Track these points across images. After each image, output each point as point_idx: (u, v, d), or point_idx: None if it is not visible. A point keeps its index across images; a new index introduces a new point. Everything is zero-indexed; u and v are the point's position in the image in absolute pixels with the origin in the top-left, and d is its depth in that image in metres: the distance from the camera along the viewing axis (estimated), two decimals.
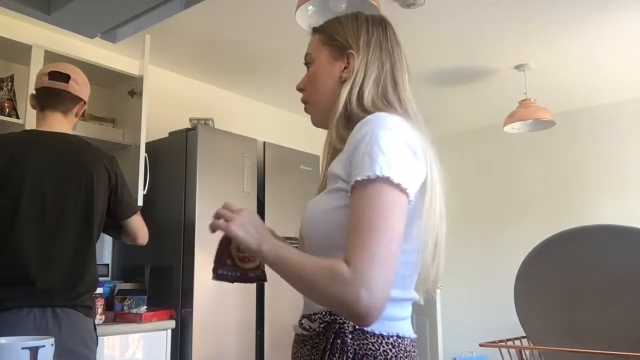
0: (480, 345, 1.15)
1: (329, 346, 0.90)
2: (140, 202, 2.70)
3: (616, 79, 3.84)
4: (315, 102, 1.11)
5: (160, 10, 1.34)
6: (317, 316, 0.94)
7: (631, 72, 3.71)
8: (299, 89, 1.15)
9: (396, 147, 0.89)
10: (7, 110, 2.53)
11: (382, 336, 0.91)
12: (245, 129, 3.45)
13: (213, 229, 0.95)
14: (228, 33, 3.04)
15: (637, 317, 0.97)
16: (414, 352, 0.96)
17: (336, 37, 1.09)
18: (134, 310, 2.54)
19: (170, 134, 3.03)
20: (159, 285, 2.81)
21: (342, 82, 1.05)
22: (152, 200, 2.86)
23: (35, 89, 1.94)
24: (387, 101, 1.02)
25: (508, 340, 1.16)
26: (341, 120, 1.02)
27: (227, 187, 2.92)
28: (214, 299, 2.75)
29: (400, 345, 0.93)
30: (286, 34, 2.99)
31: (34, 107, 1.96)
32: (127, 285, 2.80)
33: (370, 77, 1.03)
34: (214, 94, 3.86)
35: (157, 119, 3.18)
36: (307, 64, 1.14)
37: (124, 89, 2.98)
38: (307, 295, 0.94)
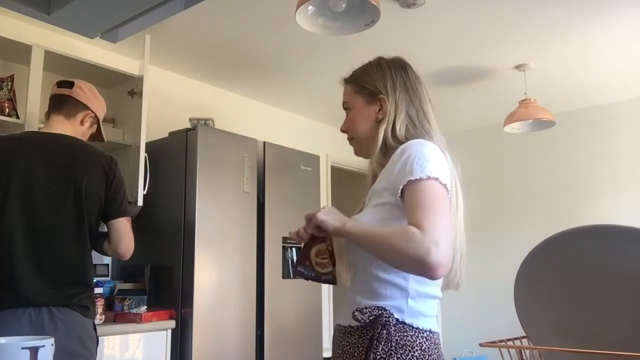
0: (480, 345, 1.16)
1: (376, 335, 1.05)
2: (140, 202, 2.70)
3: (616, 79, 3.84)
4: (359, 140, 1.32)
5: (160, 10, 1.34)
6: (367, 310, 1.09)
7: (630, 73, 3.71)
8: (343, 131, 1.36)
9: (437, 159, 1.10)
10: (7, 110, 2.53)
11: (419, 330, 1.08)
12: (245, 129, 3.45)
13: (306, 221, 1.18)
14: (228, 33, 3.04)
15: (637, 317, 0.97)
16: (440, 345, 1.13)
17: (366, 86, 1.30)
18: (134, 310, 2.54)
19: (170, 134, 3.03)
20: (159, 285, 2.80)
21: (378, 122, 1.26)
22: (152, 200, 2.86)
23: (49, 101, 2.01)
24: (419, 131, 1.23)
25: (508, 340, 1.16)
26: (380, 152, 1.23)
27: (227, 187, 2.92)
28: (214, 299, 2.75)
29: (432, 338, 1.10)
30: (286, 34, 2.98)
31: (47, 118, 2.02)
32: (127, 285, 2.80)
33: (401, 115, 1.24)
34: (214, 94, 3.86)
35: (157, 119, 3.18)
36: (346, 109, 1.35)
37: (124, 89, 2.97)
38: (385, 257, 1.08)
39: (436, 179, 1.05)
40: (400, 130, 1.22)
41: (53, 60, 2.65)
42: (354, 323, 1.11)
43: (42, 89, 2.54)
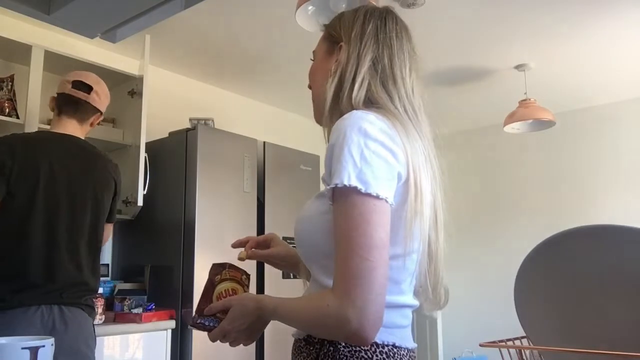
0: (480, 345, 1.15)
1: (321, 354, 0.89)
2: (140, 202, 2.70)
3: (616, 79, 3.84)
4: (314, 98, 1.07)
5: (160, 10, 1.34)
6: None
7: (631, 72, 3.71)
8: (309, 87, 1.11)
9: (367, 150, 0.84)
10: (7, 110, 2.53)
11: (377, 345, 0.88)
12: (245, 129, 3.45)
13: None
14: (228, 33, 3.04)
15: (637, 317, 0.97)
16: None
17: (332, 32, 1.05)
18: (134, 310, 2.54)
19: (170, 134, 3.04)
20: (159, 285, 2.81)
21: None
22: (152, 200, 2.86)
23: (57, 93, 2.00)
24: (385, 97, 0.96)
25: (508, 340, 1.16)
26: (334, 116, 0.95)
27: (227, 187, 2.92)
28: None
29: (396, 355, 0.89)
30: (286, 34, 2.99)
31: (52, 110, 2.03)
32: (127, 285, 2.81)
33: (361, 71, 0.96)
34: (214, 94, 3.86)
35: (157, 119, 3.18)
36: (313, 61, 1.11)
37: (124, 89, 2.98)
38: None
39: (354, 188, 0.82)
40: (359, 91, 0.95)
41: (53, 60, 2.65)
42: (301, 335, 0.95)
43: (42, 89, 2.54)
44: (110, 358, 2.37)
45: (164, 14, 1.37)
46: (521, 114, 3.55)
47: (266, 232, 3.06)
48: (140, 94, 2.82)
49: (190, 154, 2.84)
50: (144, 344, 2.52)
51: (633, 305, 0.98)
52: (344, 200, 0.83)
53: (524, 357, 1.15)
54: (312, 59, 1.10)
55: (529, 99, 3.58)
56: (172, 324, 2.63)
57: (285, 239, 3.56)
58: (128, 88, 2.95)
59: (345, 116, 0.89)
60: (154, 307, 2.62)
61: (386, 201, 0.84)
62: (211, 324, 0.95)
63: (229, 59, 3.39)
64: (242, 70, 3.59)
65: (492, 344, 1.12)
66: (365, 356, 0.87)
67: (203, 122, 2.98)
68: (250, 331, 0.94)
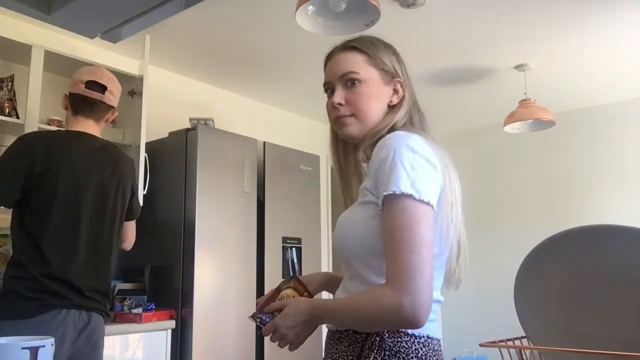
0: (480, 345, 1.15)
1: (369, 343, 0.99)
2: (140, 202, 2.70)
3: (616, 79, 3.84)
4: (363, 120, 1.13)
5: (160, 10, 1.34)
6: None
7: (631, 72, 3.71)
8: (340, 104, 1.13)
9: (416, 163, 0.99)
10: (7, 110, 2.53)
11: (414, 336, 1.01)
12: (245, 129, 3.45)
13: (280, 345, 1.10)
14: (228, 33, 3.04)
15: (637, 317, 0.97)
16: (440, 351, 1.07)
17: (385, 62, 1.15)
18: (134, 310, 2.54)
19: (170, 134, 3.03)
20: (159, 285, 2.81)
21: (390, 106, 1.15)
22: (152, 200, 2.86)
23: (70, 93, 1.98)
24: (411, 124, 1.14)
25: (508, 340, 1.16)
26: (375, 140, 1.09)
27: (227, 187, 2.92)
28: (214, 299, 2.75)
29: (430, 344, 1.03)
30: (286, 34, 2.98)
31: (65, 108, 2.02)
32: (127, 285, 2.80)
33: (407, 106, 1.14)
34: (214, 94, 3.86)
35: (157, 119, 3.18)
36: (351, 80, 1.13)
37: (124, 89, 2.96)
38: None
39: (410, 195, 0.95)
40: (401, 121, 1.12)
41: (53, 60, 2.65)
42: (343, 327, 1.05)
43: (42, 89, 2.54)
44: (110, 358, 2.37)
45: (164, 14, 1.37)
46: (521, 114, 3.55)
47: (266, 232, 3.06)
48: (140, 94, 2.82)
49: (190, 154, 2.84)
50: (144, 344, 2.52)
51: (633, 305, 0.98)
52: (398, 205, 0.96)
53: (524, 357, 1.15)
54: (354, 79, 1.12)
55: (529, 99, 3.58)
56: (172, 324, 2.63)
57: (284, 238, 3.53)
58: (128, 88, 2.95)
59: (389, 136, 1.04)
60: (154, 307, 2.62)
61: (432, 207, 0.98)
62: (267, 319, 1.09)
63: (229, 58, 3.39)
64: (242, 70, 3.59)
65: (492, 344, 1.12)
66: (407, 345, 1.00)
67: (203, 122, 2.98)
68: (298, 330, 1.05)
